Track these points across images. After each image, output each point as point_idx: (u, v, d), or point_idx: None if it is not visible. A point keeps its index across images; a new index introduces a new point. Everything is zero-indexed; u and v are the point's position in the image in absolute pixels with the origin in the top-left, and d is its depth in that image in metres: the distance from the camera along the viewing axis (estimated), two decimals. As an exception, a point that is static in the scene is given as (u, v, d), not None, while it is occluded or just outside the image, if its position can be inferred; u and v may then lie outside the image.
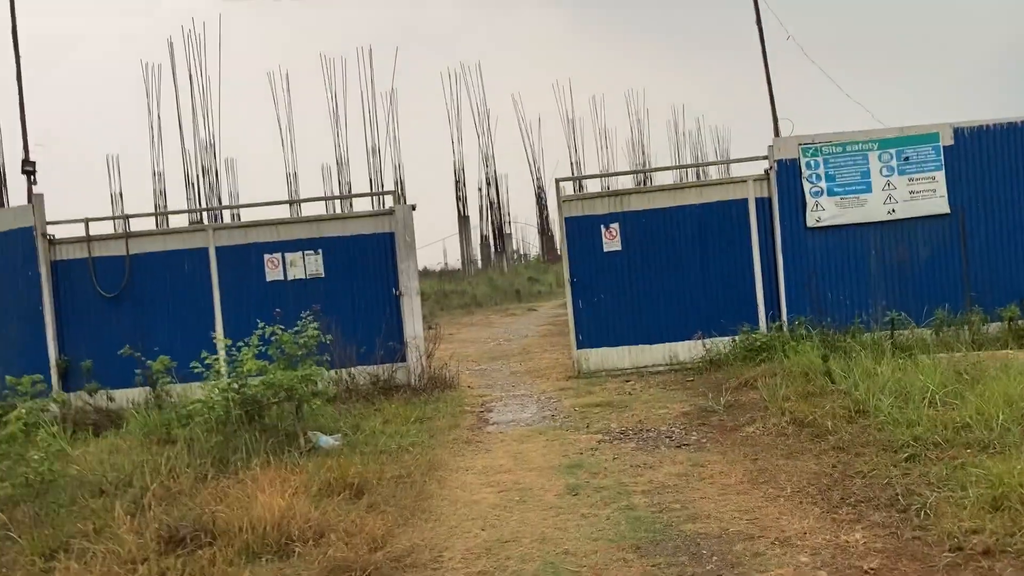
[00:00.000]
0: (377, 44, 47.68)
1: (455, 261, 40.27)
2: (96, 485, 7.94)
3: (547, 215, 44.26)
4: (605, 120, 56.04)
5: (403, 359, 12.33)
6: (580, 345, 12.48)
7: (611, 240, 12.41)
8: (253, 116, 41.98)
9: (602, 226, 12.44)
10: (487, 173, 40.35)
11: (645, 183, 30.50)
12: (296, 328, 9.56)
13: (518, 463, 8.06)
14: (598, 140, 46.81)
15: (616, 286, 12.42)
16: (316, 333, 9.49)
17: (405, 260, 12.30)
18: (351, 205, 25.49)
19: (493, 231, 41.05)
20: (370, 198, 27.90)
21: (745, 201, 12.36)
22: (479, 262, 40.58)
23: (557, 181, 12.74)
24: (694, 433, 8.61)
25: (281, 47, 50.91)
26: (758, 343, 11.33)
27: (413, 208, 12.44)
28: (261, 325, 9.47)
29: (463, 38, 55.93)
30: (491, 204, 40.82)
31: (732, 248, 12.34)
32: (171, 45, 29.51)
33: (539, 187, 43.49)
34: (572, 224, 12.48)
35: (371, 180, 37.36)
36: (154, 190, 34.29)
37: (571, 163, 44.19)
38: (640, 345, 12.40)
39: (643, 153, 49.54)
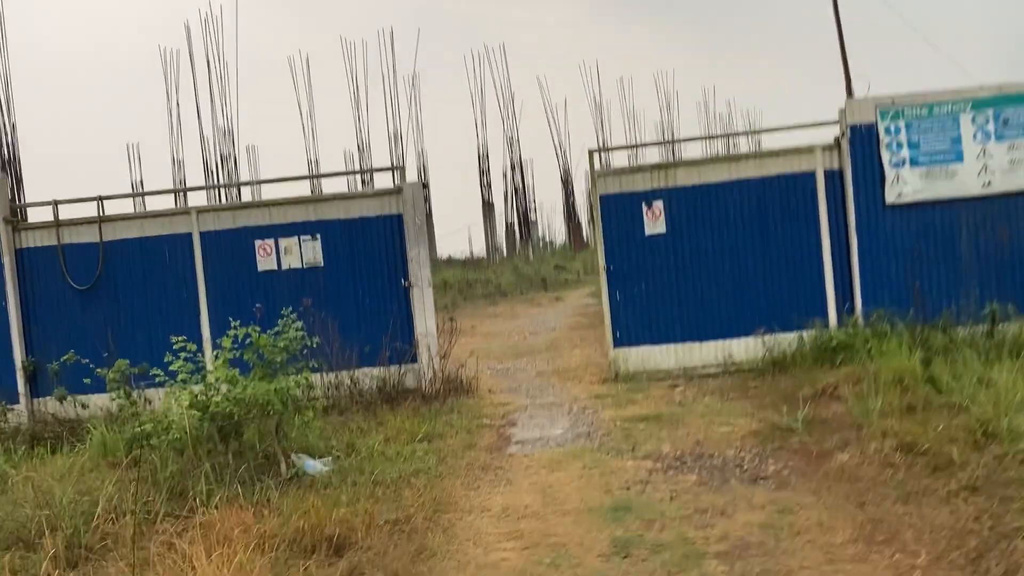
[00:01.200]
0: (398, 27, 45.69)
1: (480, 249, 38.42)
2: (15, 530, 6.15)
3: (573, 201, 42.23)
4: (633, 103, 53.75)
5: (413, 360, 10.46)
6: (618, 343, 10.54)
7: (654, 221, 10.45)
8: (273, 102, 40.25)
9: (644, 204, 10.47)
10: (512, 158, 38.35)
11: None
12: (277, 328, 7.71)
13: (548, 502, 6.15)
14: (626, 123, 44.57)
15: (660, 274, 10.45)
16: (299, 335, 7.64)
17: (415, 246, 10.42)
18: (366, 181, 23.66)
19: (518, 218, 39.07)
20: (386, 174, 26.01)
21: (812, 174, 10.33)
22: (504, 250, 38.67)
23: (591, 152, 10.78)
24: (771, 461, 6.66)
25: (300, 31, 49.12)
26: (833, 341, 9.32)
27: (424, 187, 10.55)
28: (234, 324, 7.62)
29: (487, 21, 53.81)
30: (516, 190, 38.85)
31: (797, 229, 10.33)
32: (188, 29, 27.73)
33: (565, 172, 41.46)
34: (608, 203, 10.52)
35: (392, 165, 35.53)
36: (173, 179, 32.66)
37: (598, 146, 42.12)
38: (688, 343, 10.44)
39: (672, 135, 47.33)
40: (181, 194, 10.19)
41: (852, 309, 10.18)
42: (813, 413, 7.68)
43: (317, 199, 10.66)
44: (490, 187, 37.65)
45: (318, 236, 10.63)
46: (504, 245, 39.14)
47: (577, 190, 43.65)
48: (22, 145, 26.82)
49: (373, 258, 10.59)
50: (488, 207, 37.61)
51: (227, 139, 31.08)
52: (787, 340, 10.04)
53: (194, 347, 7.57)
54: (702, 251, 10.43)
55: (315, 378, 9.99)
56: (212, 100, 31.54)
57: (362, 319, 10.55)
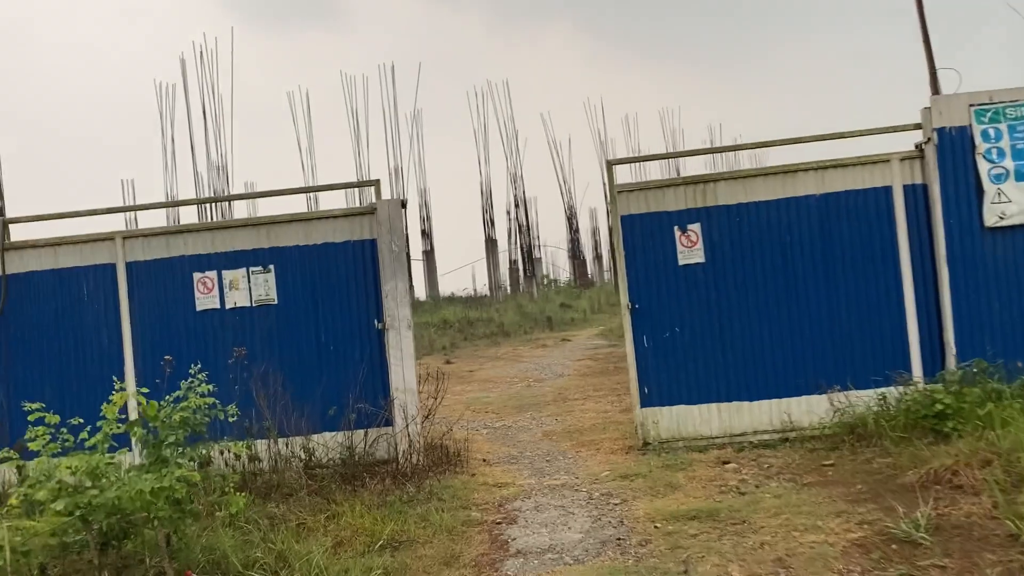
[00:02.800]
0: (400, 62, 43.76)
1: (484, 287, 36.02)
2: None
3: (578, 238, 39.90)
4: (639, 140, 51.72)
5: (387, 423, 7.99)
6: (647, 402, 8.04)
7: (690, 248, 8.03)
8: (272, 138, 38.16)
9: (676, 228, 8.05)
10: (516, 194, 36.12)
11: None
12: (177, 394, 5.26)
13: None
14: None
15: (698, 314, 8.00)
16: (204, 402, 5.18)
17: (392, 278, 7.99)
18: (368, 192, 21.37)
19: (522, 255, 36.74)
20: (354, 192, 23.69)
21: (887, 190, 7.91)
22: (507, 287, 36.28)
23: (610, 164, 8.35)
24: (909, 607, 4.16)
25: (299, 66, 47.21)
26: (936, 404, 6.81)
27: (403, 205, 8.15)
28: (117, 387, 5.17)
29: (489, 56, 51.95)
30: (520, 227, 36.56)
31: (869, 257, 7.88)
32: (183, 63, 25.64)
33: (570, 209, 39.23)
34: (632, 225, 8.10)
35: (363, 180, 33.25)
36: (167, 216, 30.49)
37: (603, 183, 39.94)
38: (736, 402, 7.94)
39: (679, 174, 45.15)
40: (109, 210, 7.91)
41: (943, 360, 7.72)
42: (935, 513, 5.19)
43: (270, 221, 8.25)
44: (493, 224, 35.37)
45: (271, 267, 8.21)
46: (508, 283, 36.77)
47: (582, 227, 41.33)
48: (8, 178, 24.70)
49: (340, 294, 8.16)
50: (491, 244, 35.29)
51: (221, 175, 28.92)
52: (864, 400, 7.54)
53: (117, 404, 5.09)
54: (750, 285, 7.98)
55: (261, 448, 7.60)
56: (207, 135, 29.42)
57: (324, 370, 8.10)
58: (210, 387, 5.27)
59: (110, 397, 5.09)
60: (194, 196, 30.50)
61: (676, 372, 8.01)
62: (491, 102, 38.32)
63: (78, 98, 43.79)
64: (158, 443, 4.96)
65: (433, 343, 22.42)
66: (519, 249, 36.73)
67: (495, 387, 14.06)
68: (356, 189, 31.66)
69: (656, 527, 5.57)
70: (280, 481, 7.04)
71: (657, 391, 8.03)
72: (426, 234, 34.09)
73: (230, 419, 5.20)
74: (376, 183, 8.20)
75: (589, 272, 40.54)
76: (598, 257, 44.86)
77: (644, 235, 8.08)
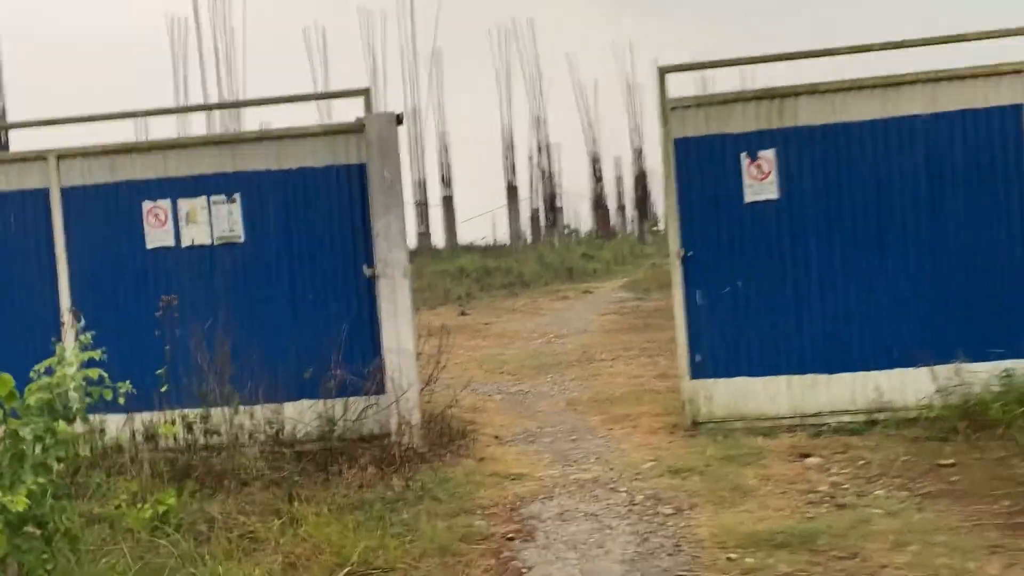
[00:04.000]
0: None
1: (504, 236, 34.27)
2: None
3: (602, 187, 37.97)
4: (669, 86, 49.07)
5: (378, 390, 6.32)
6: (698, 372, 6.29)
7: (760, 181, 6.21)
8: (287, 77, 36.20)
9: (744, 156, 6.22)
10: (539, 139, 34.16)
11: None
12: (49, 363, 3.59)
13: None
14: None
15: (766, 265, 6.20)
16: (81, 377, 3.49)
17: (384, 214, 6.24)
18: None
19: (544, 203, 34.92)
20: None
21: (1017, 110, 6.05)
22: (528, 237, 34.50)
23: (662, 72, 6.42)
24: None
25: (315, 2, 44.92)
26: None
27: (399, 121, 6.35)
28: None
29: (514, -6, 49.35)
30: (542, 174, 34.68)
31: (991, 198, 6.03)
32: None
33: (594, 156, 37.22)
34: (687, 151, 6.27)
35: (411, 146, 31.43)
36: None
37: (629, 130, 37.87)
38: (811, 375, 6.18)
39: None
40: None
41: (1082, 327, 5.92)
42: None
43: (235, 139, 6.49)
44: (514, 170, 33.49)
45: (236, 197, 6.48)
46: (528, 232, 34.99)
47: (607, 175, 39.29)
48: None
49: (320, 231, 6.43)
50: (512, 191, 33.45)
51: (232, 115, 27.20)
52: (981, 377, 5.77)
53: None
54: (835, 230, 6.16)
55: (219, 419, 5.97)
56: (219, 73, 27.63)
57: (301, 324, 6.41)
58: (100, 352, 3.57)
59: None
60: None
61: (736, 336, 6.25)
62: (514, 42, 36.03)
63: (88, 32, 41.96)
64: (13, 436, 3.31)
65: (448, 293, 20.76)
66: (541, 197, 34.89)
67: (512, 343, 12.38)
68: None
69: (730, 559, 3.87)
70: (233, 465, 5.40)
71: (712, 359, 6.28)
72: (445, 180, 32.29)
73: (120, 399, 3.50)
74: (365, 92, 6.40)
75: (612, 222, 38.65)
76: (621, 207, 42.89)
77: (702, 164, 6.26)
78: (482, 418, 7.34)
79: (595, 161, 37.31)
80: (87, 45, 41.03)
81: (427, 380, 6.77)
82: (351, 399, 6.27)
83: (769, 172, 6.19)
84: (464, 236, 32.90)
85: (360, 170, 6.38)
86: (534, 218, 35.40)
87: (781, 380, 6.22)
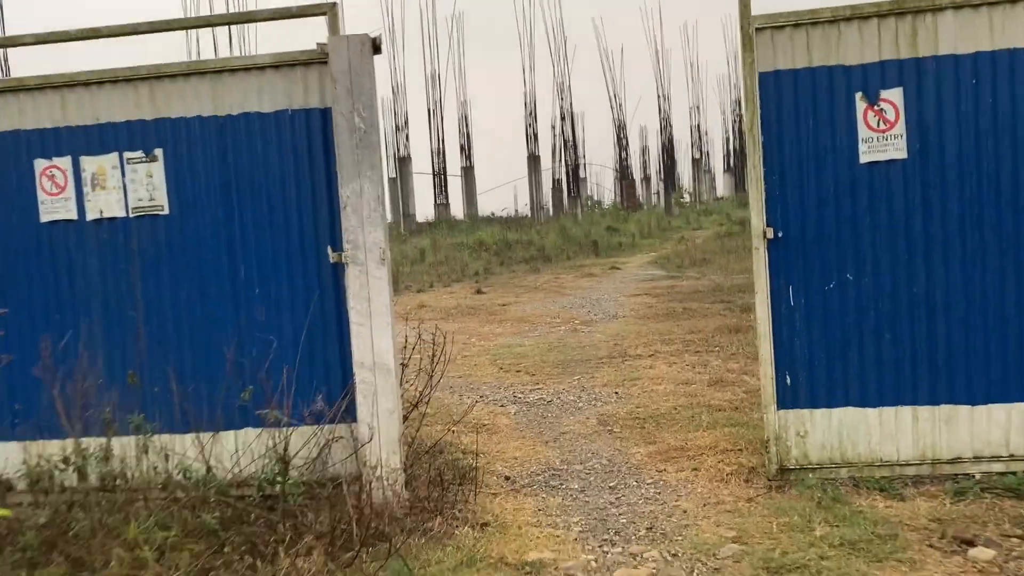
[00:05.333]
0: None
1: (525, 207, 32.34)
2: None
3: (627, 157, 35.85)
4: (698, 51, 46.79)
5: (348, 415, 4.52)
6: (789, 399, 4.42)
7: (881, 133, 4.29)
8: (300, 39, 34.21)
9: (859, 96, 4.30)
10: (562, 106, 32.05)
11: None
12: None
13: None
14: (688, 73, 37.86)
15: (888, 252, 4.29)
16: None
17: (354, 177, 4.39)
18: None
19: (567, 173, 32.88)
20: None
21: None
22: (550, 208, 32.55)
23: (744, -25, 4.56)
24: None
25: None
26: None
27: (375, 48, 4.46)
28: None
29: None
30: (565, 143, 32.59)
31: None
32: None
33: (619, 125, 35.05)
34: (779, 90, 4.35)
35: (430, 111, 29.48)
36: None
37: (658, 97, 35.62)
38: (947, 405, 4.31)
39: (738, 89, 40.48)
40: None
41: None
42: None
43: (156, 73, 4.62)
44: (536, 139, 31.45)
45: (158, 153, 4.66)
46: (550, 203, 33.03)
47: (632, 146, 37.15)
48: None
49: (270, 200, 4.60)
50: (534, 161, 31.44)
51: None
52: None
53: None
54: (987, 204, 4.24)
55: (124, 452, 4.23)
56: (231, 37, 25.82)
57: (244, 327, 4.61)
58: None
59: None
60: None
61: (843, 350, 4.36)
62: (538, 6, 33.88)
63: None
64: None
65: (465, 268, 18.94)
66: (564, 167, 32.86)
67: (532, 330, 10.54)
68: (392, 116, 28.22)
69: None
70: (104, 523, 3.60)
71: (809, 382, 4.40)
72: (465, 149, 30.34)
73: None
74: (331, 7, 4.48)
75: (638, 194, 36.55)
76: (646, 178, 40.76)
77: (800, 108, 4.33)
78: (491, 443, 5.52)
79: (620, 130, 35.17)
80: None
81: (415, 402, 4.95)
82: (310, 428, 4.48)
83: (895, 121, 4.25)
84: (484, 207, 31.04)
85: (323, 116, 4.52)
86: (556, 189, 33.42)
87: (905, 412, 4.33)
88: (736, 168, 41.22)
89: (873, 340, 4.32)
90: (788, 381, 4.39)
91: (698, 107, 37.70)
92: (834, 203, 4.31)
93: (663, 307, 11.65)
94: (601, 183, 39.83)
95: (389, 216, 29.51)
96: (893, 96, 4.24)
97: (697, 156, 39.50)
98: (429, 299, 14.57)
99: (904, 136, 4.24)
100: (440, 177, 29.12)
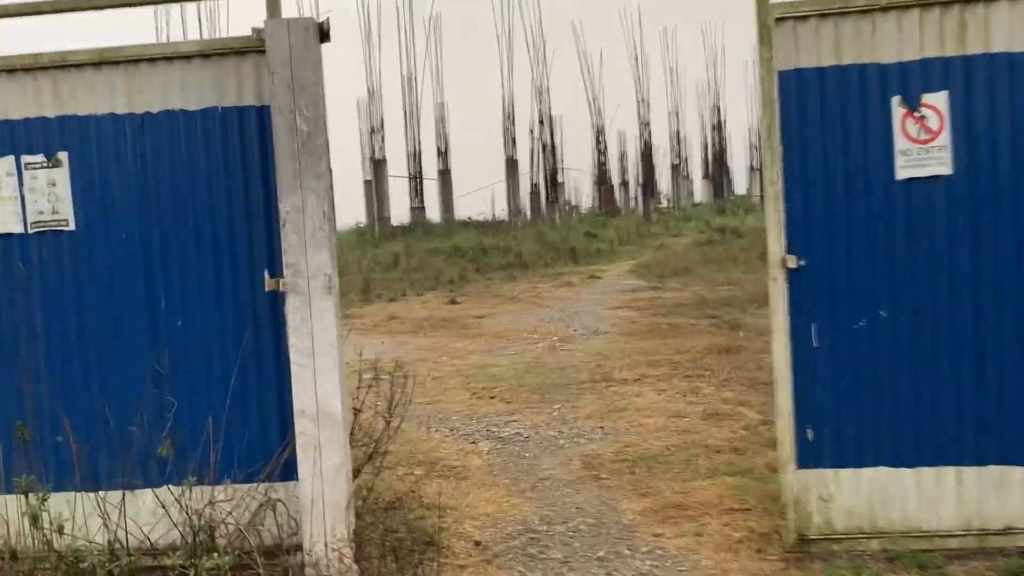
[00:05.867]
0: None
1: (502, 212, 31.58)
2: None
3: (606, 162, 35.23)
4: (677, 57, 46.34)
5: (287, 471, 3.76)
6: (810, 457, 3.69)
7: (923, 144, 3.59)
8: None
9: (896, 101, 3.61)
10: (540, 110, 31.32)
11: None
12: None
13: None
14: (667, 79, 37.32)
15: (929, 285, 3.59)
16: None
17: (295, 189, 3.62)
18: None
19: (545, 178, 32.16)
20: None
21: None
22: (527, 213, 31.82)
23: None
24: None
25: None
26: None
27: (323, 35, 3.69)
28: None
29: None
30: (544, 147, 31.88)
31: None
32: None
33: (598, 130, 34.42)
34: (802, 92, 3.63)
35: (406, 114, 28.65)
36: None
37: (637, 102, 35.04)
38: (996, 466, 3.62)
39: (717, 95, 40.08)
40: None
41: None
42: None
43: (60, 61, 3.85)
44: (515, 143, 30.67)
45: (63, 157, 3.87)
46: (528, 208, 32.30)
47: (611, 152, 36.56)
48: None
49: (195, 216, 3.82)
50: (512, 165, 30.68)
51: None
52: None
53: None
54: (1047, 227, 3.57)
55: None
56: (200, 31, 24.87)
57: (165, 366, 3.83)
58: None
59: None
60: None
61: (876, 401, 3.65)
62: (517, 8, 33.22)
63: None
64: None
65: (440, 275, 18.16)
66: (541, 172, 32.14)
67: (508, 348, 9.79)
68: (368, 119, 27.32)
69: None
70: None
71: (834, 438, 3.68)
72: (442, 152, 29.53)
73: None
74: (268, -10, 3.71)
75: (616, 199, 35.95)
76: (625, 184, 40.19)
77: (825, 114, 3.62)
78: (460, 493, 4.76)
79: (599, 134, 34.54)
80: None
81: (369, 453, 4.18)
82: (242, 488, 3.71)
83: (938, 130, 3.55)
84: (461, 211, 30.24)
85: (260, 116, 3.75)
86: (534, 194, 32.70)
87: (947, 474, 3.63)
88: (715, 175, 40.81)
89: (910, 388, 3.62)
90: (810, 436, 3.68)
91: (677, 113, 37.20)
92: (866, 227, 3.61)
93: (647, 322, 10.94)
94: (579, 188, 39.17)
95: (363, 219, 28.63)
96: (937, 101, 3.54)
97: (676, 162, 39.01)
98: (400, 309, 13.79)
99: (949, 148, 3.55)
100: (416, 180, 28.31)
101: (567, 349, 9.50)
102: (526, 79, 33.04)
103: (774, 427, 5.91)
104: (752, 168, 44.04)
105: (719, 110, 38.63)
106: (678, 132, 36.59)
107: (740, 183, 45.00)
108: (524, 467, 5.32)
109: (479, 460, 5.46)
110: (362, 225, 27.51)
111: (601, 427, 6.12)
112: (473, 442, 5.90)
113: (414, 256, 20.60)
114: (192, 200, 3.80)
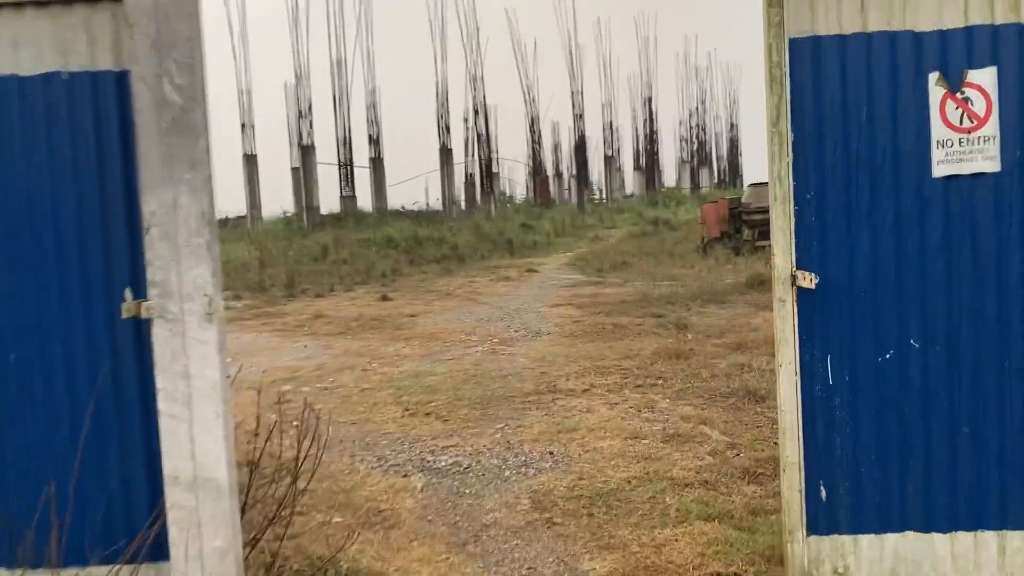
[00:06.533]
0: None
1: (437, 201, 30.59)
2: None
3: (540, 153, 34.53)
4: (610, 48, 45.95)
5: (157, 552, 2.84)
6: (823, 521, 2.95)
7: (965, 131, 2.86)
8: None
9: (933, 77, 2.87)
10: (475, 98, 30.43)
11: None
12: None
13: None
14: (601, 70, 36.82)
15: (972, 307, 2.89)
16: None
17: (164, 181, 2.69)
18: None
19: (480, 167, 31.31)
20: None
21: None
22: (462, 203, 30.93)
23: None
24: None
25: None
26: None
27: (203, -23, 2.78)
28: None
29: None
30: (479, 136, 31.01)
31: None
32: None
33: (532, 120, 33.69)
34: (817, 66, 2.87)
35: (335, 99, 27.37)
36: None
37: (571, 92, 34.42)
38: (1048, 531, 2.97)
39: (649, 88, 39.79)
40: None
41: None
42: None
43: None
44: (448, 130, 29.74)
45: None
46: (463, 198, 31.40)
47: (545, 143, 35.84)
48: None
49: (31, 214, 2.86)
50: (446, 153, 29.72)
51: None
52: None
53: None
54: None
55: None
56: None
57: (-11, 418, 2.86)
58: None
59: None
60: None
61: (904, 452, 2.92)
62: (451, -6, 32.25)
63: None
64: None
65: (371, 268, 17.14)
66: (477, 161, 31.26)
67: (444, 352, 8.91)
68: (295, 101, 26.36)
69: None
70: None
71: (853, 497, 2.93)
72: (373, 139, 28.35)
73: None
74: (124, -93, 2.75)
75: (551, 189, 35.29)
76: (559, 175, 39.61)
77: (847, 93, 2.85)
78: (388, 553, 3.88)
79: (533, 124, 33.83)
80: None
81: (269, 519, 3.25)
82: (95, 572, 2.76)
83: (985, 116, 2.82)
84: (394, 200, 29.15)
85: (120, 85, 2.78)
86: (469, 183, 31.81)
87: (988, 540, 2.92)
88: (647, 167, 40.54)
89: (945, 437, 2.89)
90: (823, 495, 2.92)
91: (610, 104, 36.74)
92: (895, 236, 2.86)
93: (590, 322, 10.20)
94: (514, 179, 38.38)
95: (291, 207, 27.19)
96: (983, 79, 2.81)
97: (609, 154, 38.60)
98: (328, 307, 12.75)
99: (998, 139, 2.82)
100: (347, 168, 27.08)
101: (508, 353, 8.68)
102: (460, 67, 32.03)
103: (743, 452, 5.29)
104: (682, 160, 43.99)
105: (651, 102, 38.32)
106: (611, 123, 36.12)
107: (670, 175, 44.94)
108: (464, 509, 4.46)
109: (412, 501, 4.58)
110: (289, 215, 26.19)
111: (551, 452, 5.31)
112: (405, 475, 5.02)
113: (344, 247, 19.51)
114: (29, 196, 2.81)
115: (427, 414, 6.41)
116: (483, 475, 4.99)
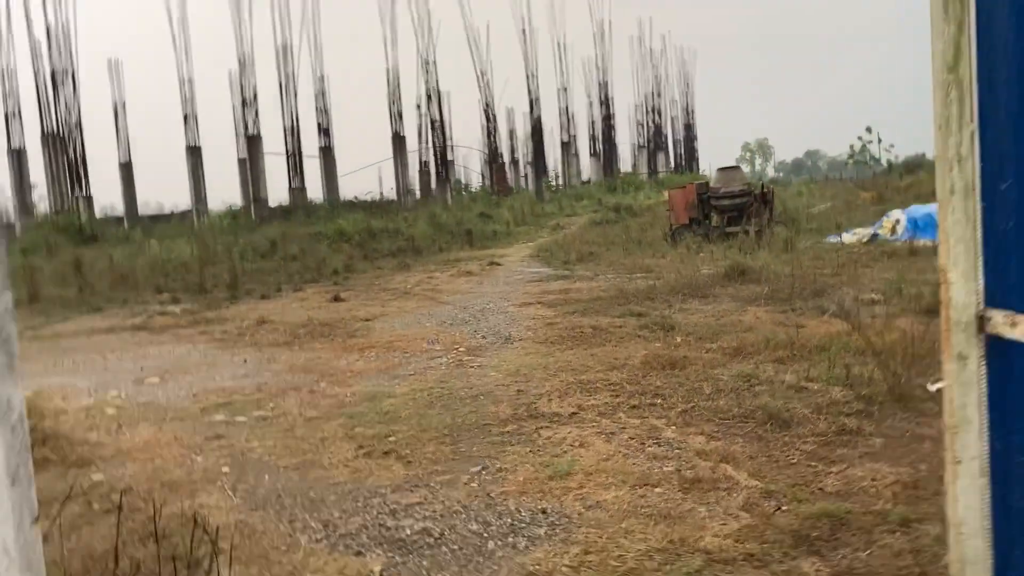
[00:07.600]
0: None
1: (390, 191, 29.16)
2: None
3: (496, 139, 33.24)
4: (565, 32, 44.84)
5: None
6: None
7: None
8: (138, 9, 29.72)
9: None
10: (428, 84, 29.03)
11: None
12: None
13: None
14: (555, 54, 35.60)
15: None
16: None
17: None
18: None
19: (435, 155, 29.93)
20: None
21: None
22: (417, 192, 29.55)
23: None
24: None
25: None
26: None
27: None
28: None
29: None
30: (432, 123, 29.62)
31: None
32: None
33: (487, 105, 32.39)
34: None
35: (282, 87, 25.73)
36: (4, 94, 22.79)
37: (526, 77, 33.18)
38: None
39: (603, 72, 38.71)
40: None
41: None
42: None
43: None
44: (401, 117, 28.31)
45: None
46: (418, 187, 30.01)
47: (502, 128, 34.56)
48: None
49: None
50: (399, 141, 28.28)
51: (62, 51, 21.12)
52: None
53: None
54: None
55: None
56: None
57: None
58: None
59: None
60: (32, 72, 22.84)
61: None
62: (401, -21, 30.68)
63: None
64: None
65: (322, 265, 15.78)
66: (431, 149, 29.86)
67: (404, 365, 7.69)
68: (239, 89, 25.05)
69: None
70: None
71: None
72: (323, 128, 26.78)
73: None
74: None
75: (508, 177, 34.06)
76: (515, 162, 38.40)
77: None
78: None
79: (488, 110, 32.52)
80: None
81: None
82: None
83: None
84: (346, 191, 27.66)
85: None
86: (424, 172, 30.42)
87: None
88: (604, 151, 39.53)
89: None
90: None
91: (565, 89, 35.60)
92: None
93: (565, 324, 9.06)
94: (469, 166, 37.07)
95: (238, 200, 25.57)
96: None
97: (565, 139, 37.50)
98: (274, 310, 11.41)
99: None
100: (295, 158, 25.50)
101: (477, 365, 7.50)
102: (412, 52, 30.61)
103: (785, 504, 4.20)
104: (639, 146, 43.10)
105: (607, 86, 37.30)
106: (567, 109, 35.00)
107: (626, 160, 44.01)
108: (439, 611, 3.27)
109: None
110: (236, 208, 24.56)
111: (543, 511, 4.14)
112: (358, 553, 3.80)
113: (293, 242, 18.07)
114: None
115: (386, 453, 5.19)
116: (460, 548, 3.80)
